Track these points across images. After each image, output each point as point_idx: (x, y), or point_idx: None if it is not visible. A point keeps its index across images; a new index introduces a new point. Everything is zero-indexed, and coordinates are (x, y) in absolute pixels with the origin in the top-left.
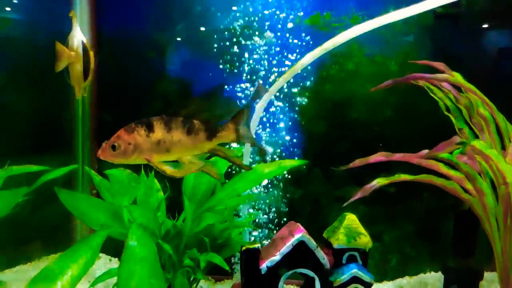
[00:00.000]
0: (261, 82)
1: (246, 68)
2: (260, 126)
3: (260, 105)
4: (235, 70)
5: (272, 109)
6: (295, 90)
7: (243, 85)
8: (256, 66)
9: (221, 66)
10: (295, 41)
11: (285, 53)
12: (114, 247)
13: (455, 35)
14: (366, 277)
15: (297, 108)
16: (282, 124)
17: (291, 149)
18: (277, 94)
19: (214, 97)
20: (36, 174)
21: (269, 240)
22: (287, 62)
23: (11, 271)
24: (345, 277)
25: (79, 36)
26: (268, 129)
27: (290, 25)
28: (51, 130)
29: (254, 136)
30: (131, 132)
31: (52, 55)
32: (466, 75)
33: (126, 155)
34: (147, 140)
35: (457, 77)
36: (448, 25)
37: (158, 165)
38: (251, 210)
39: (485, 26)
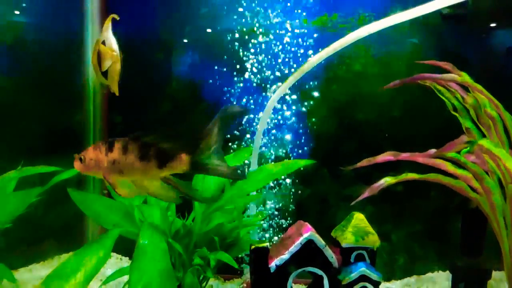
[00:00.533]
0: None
1: (253, 71)
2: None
3: (269, 105)
4: (241, 73)
5: (280, 109)
6: (302, 90)
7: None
8: (264, 69)
9: (228, 68)
10: (303, 42)
11: (293, 55)
12: (124, 246)
13: (462, 35)
14: (374, 276)
15: (304, 109)
16: (289, 124)
17: (299, 149)
18: (285, 94)
19: (180, 126)
20: (48, 175)
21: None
22: (294, 64)
23: (26, 269)
24: (353, 275)
25: (113, 37)
26: (275, 129)
27: (297, 26)
28: (63, 131)
29: (223, 167)
30: (95, 149)
31: (62, 57)
32: (473, 74)
33: (89, 169)
34: (104, 159)
35: (464, 77)
36: (455, 25)
37: (112, 182)
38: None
39: (492, 25)
